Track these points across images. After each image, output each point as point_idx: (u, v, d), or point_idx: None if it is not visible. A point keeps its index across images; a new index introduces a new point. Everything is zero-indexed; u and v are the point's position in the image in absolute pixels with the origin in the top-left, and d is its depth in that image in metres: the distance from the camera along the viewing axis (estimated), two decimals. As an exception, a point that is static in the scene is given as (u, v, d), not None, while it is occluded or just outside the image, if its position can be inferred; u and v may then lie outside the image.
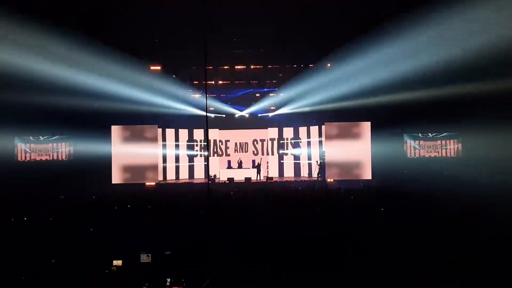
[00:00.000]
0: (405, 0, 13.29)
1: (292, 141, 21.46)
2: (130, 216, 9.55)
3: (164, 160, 20.47)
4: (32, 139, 18.90)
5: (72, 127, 18.10)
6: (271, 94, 20.34)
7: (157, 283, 5.25)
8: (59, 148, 19.00)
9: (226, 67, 19.01)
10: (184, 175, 21.27)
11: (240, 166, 20.67)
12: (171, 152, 20.86)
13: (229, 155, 21.77)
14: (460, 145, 18.49)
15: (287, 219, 8.57)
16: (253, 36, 16.55)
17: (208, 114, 17.01)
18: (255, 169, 20.07)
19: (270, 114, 21.19)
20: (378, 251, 6.13)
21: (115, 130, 19.08)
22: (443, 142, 18.73)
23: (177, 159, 21.18)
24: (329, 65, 17.74)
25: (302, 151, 21.13)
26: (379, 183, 16.72)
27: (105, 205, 11.35)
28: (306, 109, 19.62)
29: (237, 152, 21.81)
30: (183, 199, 12.48)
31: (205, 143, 20.72)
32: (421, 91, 16.00)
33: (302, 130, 21.39)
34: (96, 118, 17.79)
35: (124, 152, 18.97)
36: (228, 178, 19.32)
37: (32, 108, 15.77)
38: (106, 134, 18.73)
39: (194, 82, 19.83)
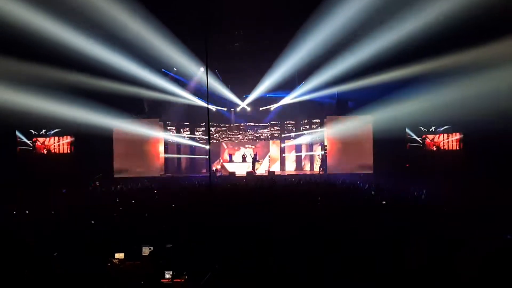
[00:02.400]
0: None
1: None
2: (132, 209, 9.56)
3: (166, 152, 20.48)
4: (34, 132, 18.74)
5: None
6: None
7: (158, 276, 5.24)
8: (60, 141, 18.85)
9: None
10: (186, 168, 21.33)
11: (244, 160, 20.63)
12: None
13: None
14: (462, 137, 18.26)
15: (289, 212, 8.55)
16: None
17: (210, 107, 16.85)
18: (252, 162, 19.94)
19: (272, 107, 21.04)
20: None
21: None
22: (445, 135, 18.48)
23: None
24: None
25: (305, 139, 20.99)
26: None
27: (108, 198, 11.37)
28: (307, 97, 19.39)
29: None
30: (185, 192, 12.49)
31: (207, 137, 20.65)
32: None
33: (304, 123, 21.30)
34: None
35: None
36: (230, 172, 19.28)
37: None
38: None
39: None
